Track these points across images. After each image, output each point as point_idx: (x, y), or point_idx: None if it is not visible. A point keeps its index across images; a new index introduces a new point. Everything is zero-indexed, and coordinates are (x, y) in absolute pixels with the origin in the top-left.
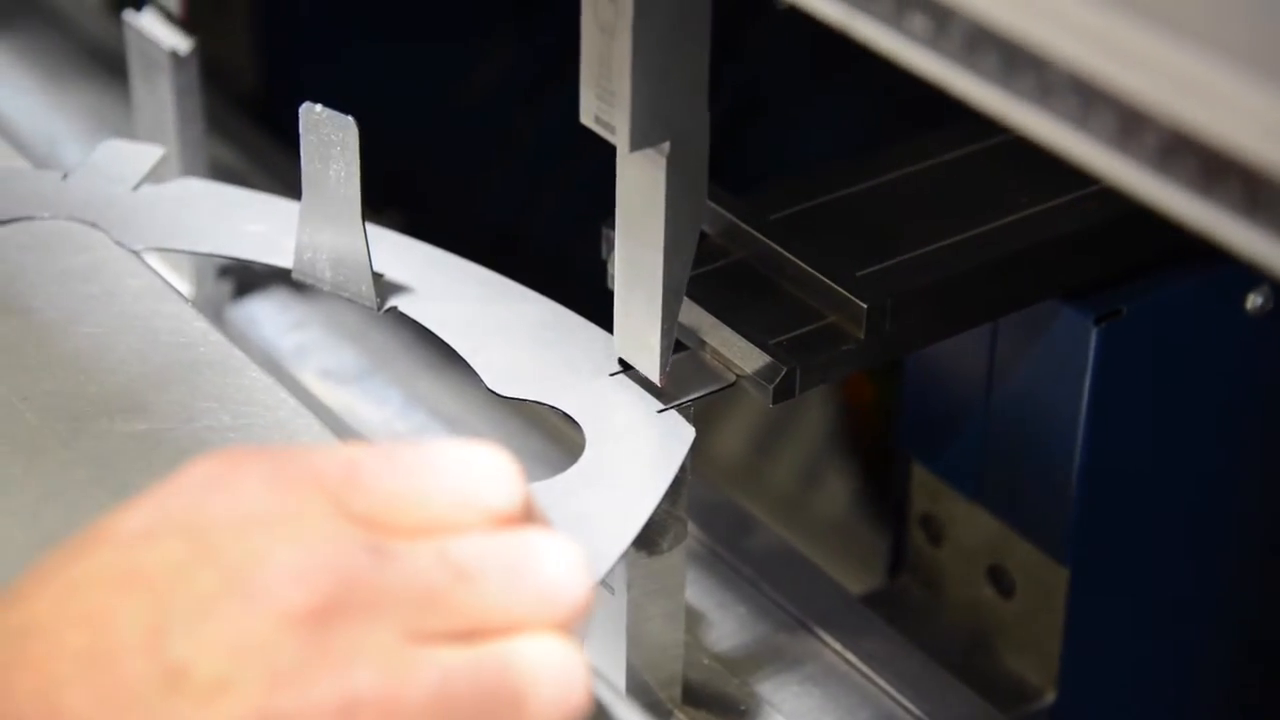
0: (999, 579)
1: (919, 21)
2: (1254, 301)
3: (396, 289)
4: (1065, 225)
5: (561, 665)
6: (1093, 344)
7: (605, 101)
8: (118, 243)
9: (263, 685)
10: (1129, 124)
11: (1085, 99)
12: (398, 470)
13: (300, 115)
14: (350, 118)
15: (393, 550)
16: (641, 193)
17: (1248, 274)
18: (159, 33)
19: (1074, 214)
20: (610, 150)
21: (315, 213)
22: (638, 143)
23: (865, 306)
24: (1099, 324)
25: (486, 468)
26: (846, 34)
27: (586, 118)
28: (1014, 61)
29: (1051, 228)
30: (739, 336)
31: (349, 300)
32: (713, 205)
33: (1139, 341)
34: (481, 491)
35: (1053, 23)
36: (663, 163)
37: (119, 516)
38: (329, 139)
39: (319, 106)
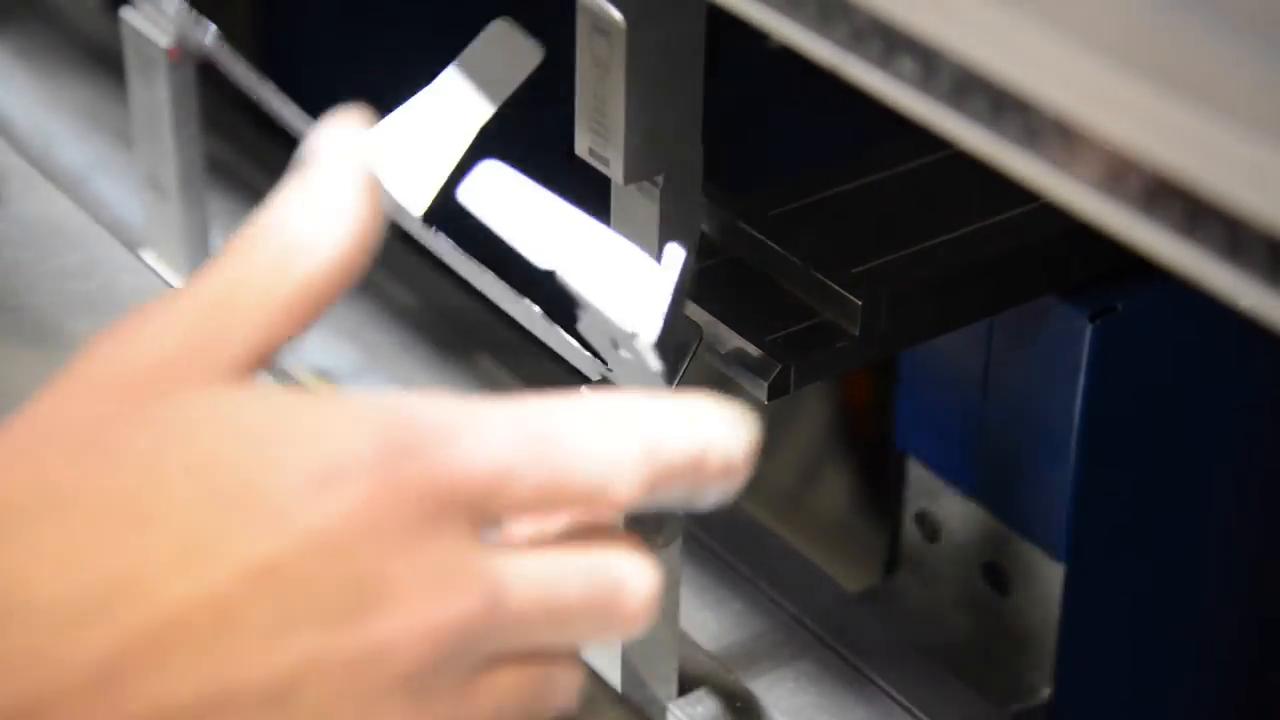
0: (995, 576)
1: (908, 65)
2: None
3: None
4: (1060, 222)
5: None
6: (1088, 341)
7: (599, 135)
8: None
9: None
10: (1114, 169)
11: (1070, 143)
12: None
13: (490, 27)
14: (540, 47)
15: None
16: (635, 224)
17: None
18: (155, 30)
19: (1069, 211)
20: None
21: (428, 110)
22: (632, 176)
23: (860, 303)
24: (1094, 321)
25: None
26: (837, 75)
27: (581, 150)
28: (1001, 105)
29: (1047, 225)
30: (734, 333)
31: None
32: (708, 202)
33: (1134, 338)
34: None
35: (1039, 69)
36: (657, 195)
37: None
38: (502, 58)
39: (517, 24)
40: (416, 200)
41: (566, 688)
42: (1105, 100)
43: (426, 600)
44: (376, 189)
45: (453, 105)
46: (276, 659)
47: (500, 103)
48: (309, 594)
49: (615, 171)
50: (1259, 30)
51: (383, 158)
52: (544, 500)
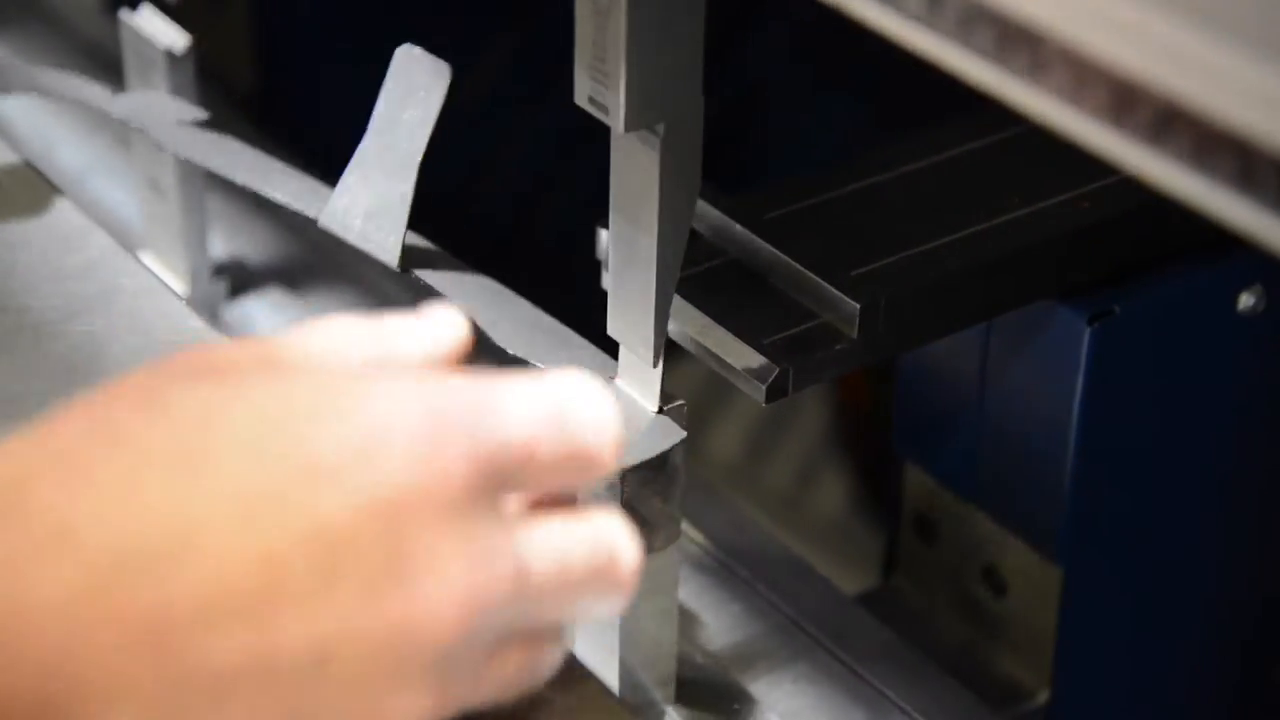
0: (992, 579)
1: None
2: (1246, 301)
3: (420, 255)
4: (1059, 225)
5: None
6: (1086, 343)
7: (599, 83)
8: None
9: None
10: (1122, 99)
11: (1078, 74)
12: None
13: (396, 55)
14: (447, 64)
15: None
16: (636, 175)
17: (1240, 274)
18: (155, 32)
19: (1067, 214)
20: (607, 151)
21: (371, 158)
22: (632, 124)
23: (858, 306)
24: (1092, 324)
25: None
26: (841, 11)
27: (580, 98)
28: (1007, 37)
29: (1045, 228)
30: (732, 336)
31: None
32: (706, 204)
33: (1132, 341)
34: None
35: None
36: (657, 144)
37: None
38: (415, 82)
39: (419, 49)
40: (389, 251)
41: (554, 663)
42: (1112, 29)
43: (464, 571)
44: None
45: (389, 146)
46: (317, 623)
47: (429, 128)
48: (354, 559)
49: (615, 120)
50: None
51: (345, 225)
52: (559, 469)
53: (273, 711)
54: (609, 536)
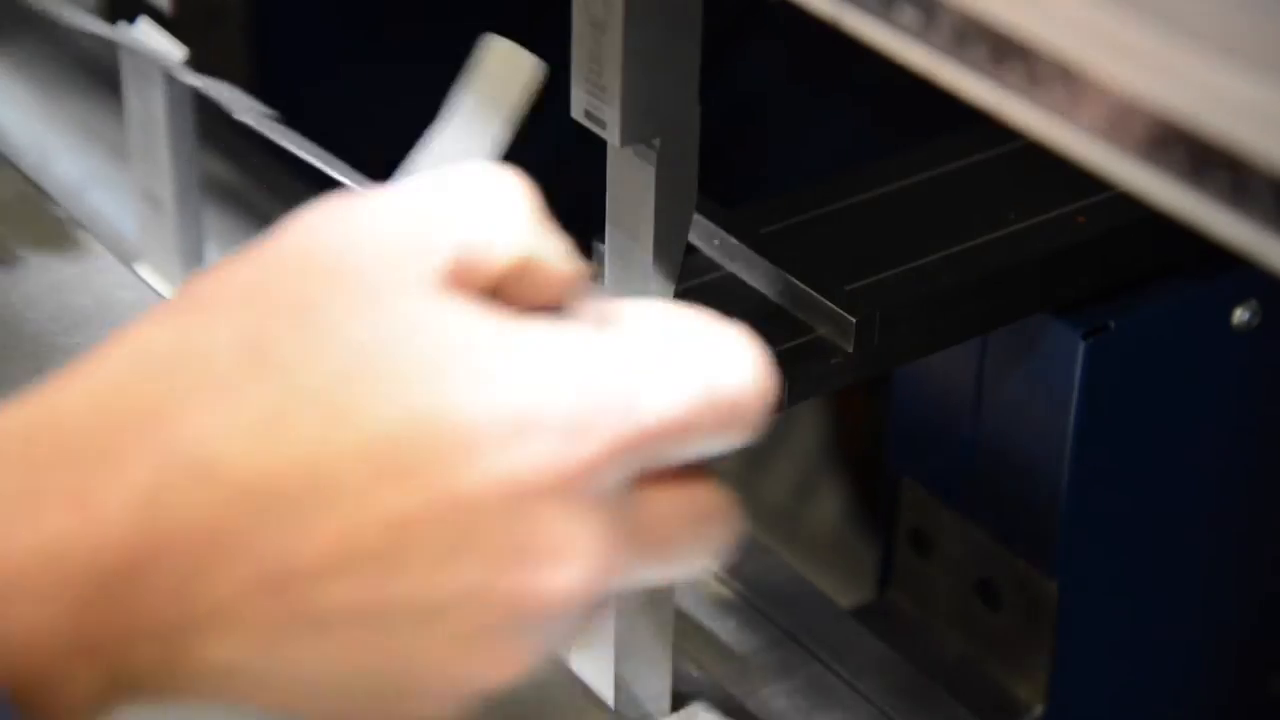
0: (988, 593)
1: (908, 13)
2: (1240, 317)
3: None
4: (1054, 240)
5: None
6: (1080, 358)
7: (596, 97)
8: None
9: None
10: (1117, 114)
11: (1073, 90)
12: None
13: (480, 45)
14: (540, 60)
15: None
16: (632, 188)
17: (1234, 289)
18: (153, 45)
19: (1062, 229)
20: (603, 158)
21: (441, 152)
22: (628, 138)
23: (854, 320)
24: (1087, 339)
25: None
26: (836, 26)
27: (577, 112)
28: (1002, 52)
29: (1040, 243)
30: None
31: None
32: (702, 218)
33: (1127, 356)
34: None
35: (1041, 14)
36: (653, 158)
37: None
38: (499, 76)
39: (506, 41)
40: None
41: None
42: (1107, 45)
43: (591, 558)
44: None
45: (462, 142)
46: (435, 590)
47: (515, 126)
48: (484, 535)
49: (612, 134)
50: None
51: None
52: (703, 443)
53: (373, 659)
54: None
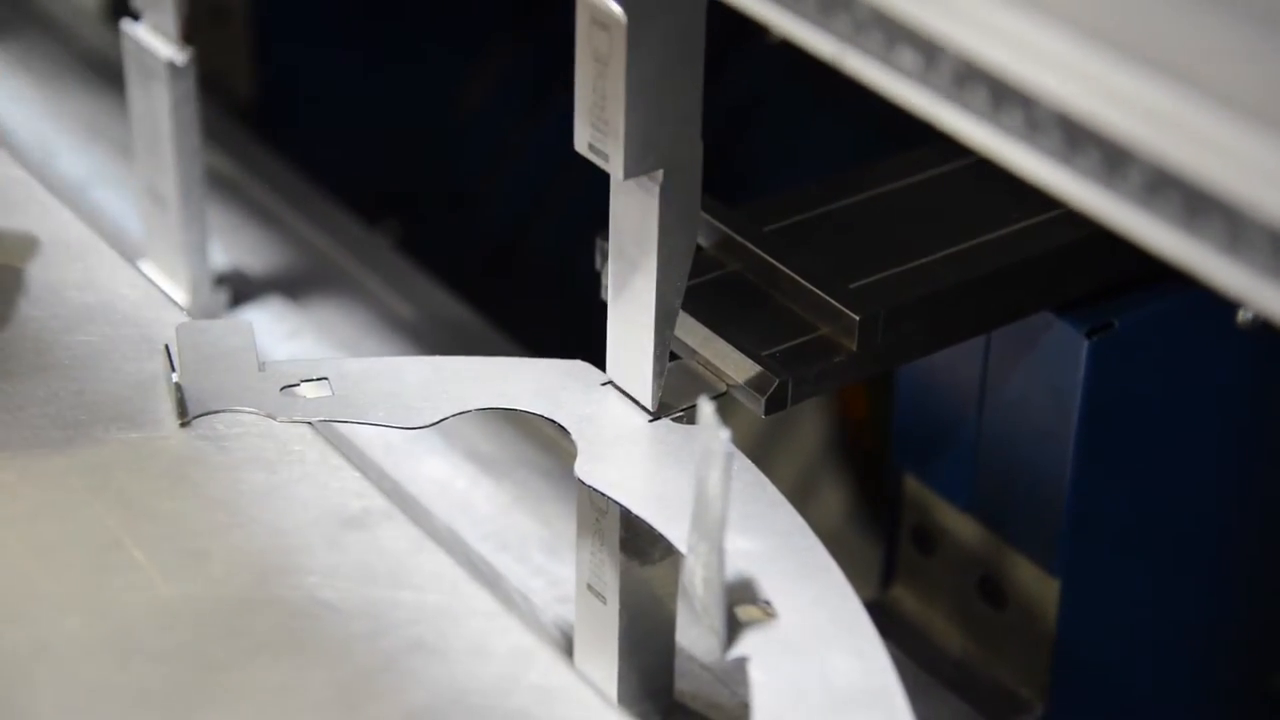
0: (990, 591)
1: (909, 57)
2: (1244, 315)
3: None
4: (1057, 239)
5: None
6: (1084, 357)
7: (599, 130)
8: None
9: None
10: (1114, 161)
11: (1071, 136)
12: None
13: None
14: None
15: None
16: (635, 220)
17: None
18: (156, 42)
19: (1066, 228)
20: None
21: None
22: (631, 171)
23: (858, 318)
24: (1090, 337)
25: None
26: (838, 67)
27: (580, 145)
28: (1002, 98)
29: (1044, 241)
30: (732, 348)
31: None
32: (707, 217)
33: (1130, 354)
34: None
35: (1040, 61)
36: (656, 190)
37: None
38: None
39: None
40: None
41: None
42: (1106, 92)
43: None
44: None
45: None
46: None
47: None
48: None
49: (615, 167)
50: (1260, 23)
51: None
52: None
53: None
54: None
